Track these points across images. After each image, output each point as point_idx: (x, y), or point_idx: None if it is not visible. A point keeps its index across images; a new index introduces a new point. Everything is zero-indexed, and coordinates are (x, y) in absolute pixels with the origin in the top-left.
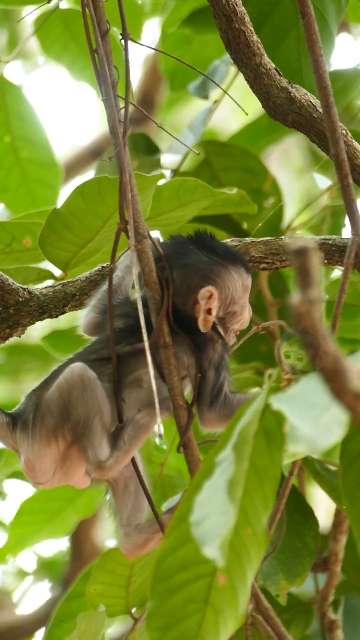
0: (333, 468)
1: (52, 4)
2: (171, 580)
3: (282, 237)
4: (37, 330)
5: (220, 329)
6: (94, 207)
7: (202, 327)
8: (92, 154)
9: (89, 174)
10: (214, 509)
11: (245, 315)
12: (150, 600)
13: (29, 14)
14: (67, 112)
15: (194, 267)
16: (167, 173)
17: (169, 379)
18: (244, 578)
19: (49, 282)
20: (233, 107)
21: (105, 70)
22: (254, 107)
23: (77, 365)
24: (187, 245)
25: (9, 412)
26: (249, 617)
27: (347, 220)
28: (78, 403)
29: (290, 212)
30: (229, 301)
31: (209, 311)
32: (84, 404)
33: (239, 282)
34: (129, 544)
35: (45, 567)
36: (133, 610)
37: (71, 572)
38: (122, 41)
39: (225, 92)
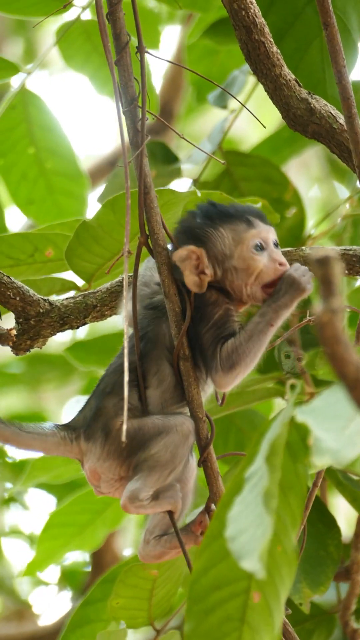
0: (356, 478)
1: (74, 14)
2: (206, 600)
3: (303, 247)
4: (56, 341)
5: (230, 289)
6: (124, 221)
7: (191, 287)
8: (110, 164)
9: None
10: (249, 522)
11: (256, 266)
12: (187, 622)
13: (48, 23)
14: (85, 120)
15: (180, 235)
16: (188, 182)
17: (188, 391)
18: (277, 597)
19: (72, 293)
20: (251, 118)
21: (124, 82)
22: (273, 117)
23: (190, 423)
24: (195, 217)
25: (65, 424)
26: (281, 633)
27: None
28: (169, 451)
29: (310, 222)
30: (220, 258)
31: (202, 272)
32: (173, 455)
33: (229, 237)
34: (145, 551)
35: (66, 577)
36: (155, 621)
37: (91, 581)
38: (138, 54)
39: (243, 105)
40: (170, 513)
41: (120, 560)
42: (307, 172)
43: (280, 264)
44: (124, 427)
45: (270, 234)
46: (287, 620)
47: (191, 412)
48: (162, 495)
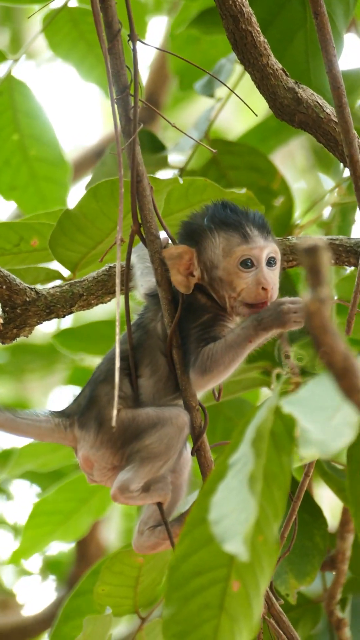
0: (341, 467)
1: (61, 2)
2: (186, 586)
3: (290, 237)
4: (41, 331)
5: (216, 297)
6: (107, 209)
7: (178, 287)
8: (97, 154)
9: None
10: (232, 507)
11: (239, 284)
12: (166, 608)
13: (36, 12)
14: (71, 111)
15: (180, 231)
16: (174, 172)
17: (182, 380)
18: (257, 586)
19: (57, 282)
20: (237, 108)
21: (116, 71)
22: (260, 108)
23: (186, 415)
24: (198, 217)
25: (59, 410)
26: (260, 620)
27: (359, 218)
28: (164, 443)
29: (297, 211)
30: (208, 265)
31: (190, 273)
32: (167, 448)
33: (220, 247)
34: (139, 542)
35: (50, 567)
36: (140, 610)
37: (76, 571)
38: (130, 42)
39: (232, 91)
40: (160, 504)
41: (105, 550)
42: (292, 163)
43: (264, 289)
44: (114, 412)
45: (264, 252)
46: (280, 609)
47: (184, 400)
48: (153, 487)
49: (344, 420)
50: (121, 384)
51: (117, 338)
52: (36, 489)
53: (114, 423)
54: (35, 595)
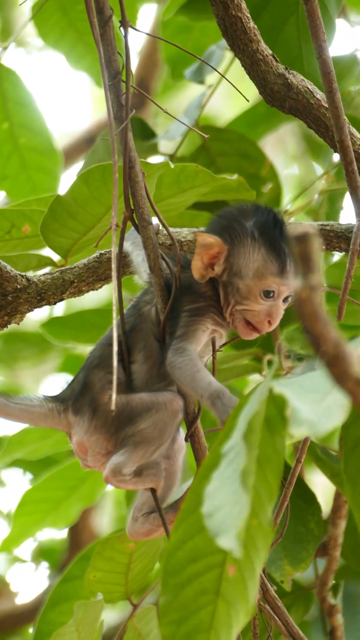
0: (334, 453)
1: None
2: (182, 573)
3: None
4: (32, 319)
5: (222, 297)
6: (98, 194)
7: (194, 272)
8: (87, 142)
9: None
10: (225, 499)
11: (253, 305)
12: (162, 595)
13: (26, 0)
14: (60, 99)
15: (222, 220)
16: (165, 158)
17: None
18: (252, 570)
19: (49, 269)
20: (227, 94)
21: (107, 57)
22: (249, 94)
23: (180, 400)
24: (243, 217)
25: (53, 395)
26: (256, 607)
27: (346, 205)
28: (157, 428)
29: (286, 198)
30: (234, 269)
31: (211, 265)
32: (161, 432)
33: (255, 263)
34: (133, 529)
35: (43, 555)
36: (132, 596)
37: (69, 559)
38: (122, 28)
39: (223, 76)
40: (153, 490)
41: (97, 537)
42: (283, 150)
43: (270, 322)
44: (113, 397)
45: (288, 291)
46: (275, 595)
47: (178, 387)
48: (146, 472)
49: (335, 402)
50: (120, 370)
51: (114, 322)
52: (29, 477)
53: (113, 407)
54: (28, 583)
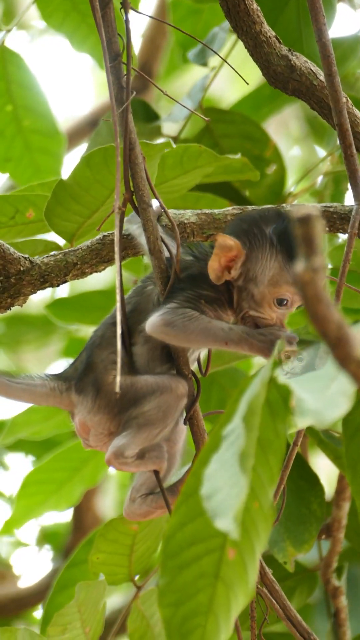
0: (337, 435)
1: None
2: (181, 555)
3: (284, 204)
4: (35, 302)
5: (235, 300)
6: (101, 177)
7: (210, 273)
8: (90, 125)
9: (85, 145)
10: (224, 481)
11: (266, 313)
12: (161, 577)
13: None
14: (63, 82)
15: (242, 223)
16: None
17: (174, 348)
18: (252, 552)
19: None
20: (230, 77)
21: (108, 39)
22: (252, 77)
23: (185, 384)
24: (265, 223)
25: (56, 374)
26: (254, 590)
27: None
28: (161, 411)
29: (290, 180)
30: (250, 275)
31: (229, 268)
32: (165, 415)
33: (272, 271)
34: (130, 509)
35: (47, 539)
36: (136, 578)
37: (73, 542)
38: (123, 10)
39: (224, 60)
40: (156, 472)
41: (101, 521)
42: (286, 132)
43: (279, 329)
44: (117, 378)
45: (301, 300)
46: (273, 578)
47: (177, 369)
48: (148, 455)
49: (339, 389)
50: (116, 350)
51: (118, 304)
52: (31, 460)
53: (117, 389)
54: (32, 566)
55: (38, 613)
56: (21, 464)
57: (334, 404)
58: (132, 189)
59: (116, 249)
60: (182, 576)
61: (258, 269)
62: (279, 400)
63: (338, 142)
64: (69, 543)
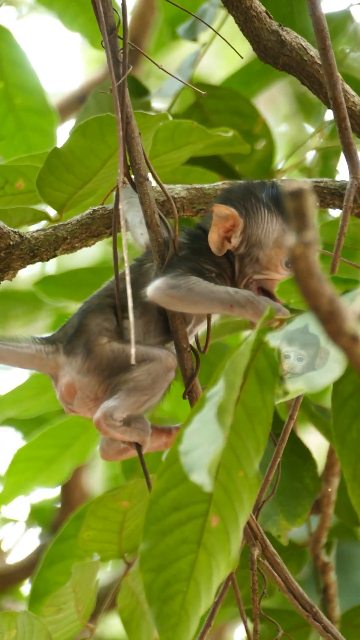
0: (328, 408)
1: None
2: (164, 521)
3: (274, 179)
4: (23, 278)
5: (236, 267)
6: (95, 147)
7: (211, 245)
8: (77, 101)
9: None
10: (203, 439)
11: (274, 274)
12: (143, 542)
13: None
14: (50, 59)
15: (234, 194)
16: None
17: (173, 322)
18: (235, 521)
19: (43, 223)
20: (217, 54)
21: (104, 12)
22: (242, 52)
23: (174, 359)
24: (257, 190)
25: (43, 337)
26: (255, 563)
27: (341, 163)
28: (151, 378)
29: (279, 156)
30: (253, 240)
31: (228, 238)
32: (154, 383)
33: (275, 233)
34: (108, 449)
35: (34, 515)
36: (126, 555)
37: (61, 519)
38: None
39: (217, 33)
40: (138, 446)
41: (89, 497)
42: (274, 109)
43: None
44: (133, 351)
45: None
46: (275, 551)
47: (176, 342)
48: (134, 424)
49: (331, 356)
50: (110, 319)
51: (127, 278)
52: (19, 436)
53: (133, 361)
54: (19, 542)
55: (25, 588)
56: (8, 439)
57: (326, 369)
58: (129, 163)
59: (122, 222)
60: (164, 542)
61: (261, 233)
62: (267, 368)
63: (327, 118)
64: (57, 519)
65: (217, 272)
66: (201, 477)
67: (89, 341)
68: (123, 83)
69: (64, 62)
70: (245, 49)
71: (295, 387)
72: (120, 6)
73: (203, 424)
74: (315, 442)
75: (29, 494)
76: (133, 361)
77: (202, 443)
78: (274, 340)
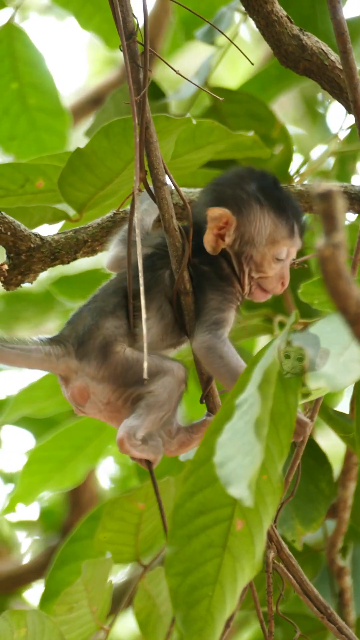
0: (346, 412)
1: None
2: (190, 525)
3: (294, 184)
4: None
5: (236, 267)
6: (118, 148)
7: (206, 246)
8: (93, 102)
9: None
10: (237, 449)
11: (267, 271)
12: (169, 546)
13: None
14: (56, 59)
15: (224, 189)
16: None
17: (189, 325)
18: (260, 525)
19: (62, 224)
20: (229, 58)
21: (123, 17)
22: (257, 57)
23: (184, 370)
24: (244, 182)
25: (51, 338)
26: (270, 565)
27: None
28: (167, 392)
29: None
30: (246, 238)
31: (222, 236)
32: (170, 397)
33: (267, 229)
34: (170, 445)
35: (43, 516)
36: (141, 557)
37: (69, 519)
38: None
39: (231, 41)
40: (149, 463)
41: (98, 497)
42: (283, 113)
43: (283, 284)
44: (145, 365)
45: (295, 250)
46: (290, 553)
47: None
48: (150, 442)
49: (353, 356)
50: (124, 323)
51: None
52: (28, 434)
53: (145, 376)
54: (28, 543)
55: (30, 592)
56: (19, 440)
57: (347, 370)
58: (147, 168)
59: (137, 231)
60: (190, 546)
61: (254, 231)
62: None
63: (339, 125)
64: (67, 520)
65: (231, 290)
66: (241, 492)
67: (105, 347)
68: (144, 90)
69: (67, 62)
70: (259, 56)
71: (317, 385)
72: (136, 10)
73: (235, 432)
74: (331, 447)
75: (43, 496)
76: (145, 375)
77: (236, 454)
78: (297, 341)
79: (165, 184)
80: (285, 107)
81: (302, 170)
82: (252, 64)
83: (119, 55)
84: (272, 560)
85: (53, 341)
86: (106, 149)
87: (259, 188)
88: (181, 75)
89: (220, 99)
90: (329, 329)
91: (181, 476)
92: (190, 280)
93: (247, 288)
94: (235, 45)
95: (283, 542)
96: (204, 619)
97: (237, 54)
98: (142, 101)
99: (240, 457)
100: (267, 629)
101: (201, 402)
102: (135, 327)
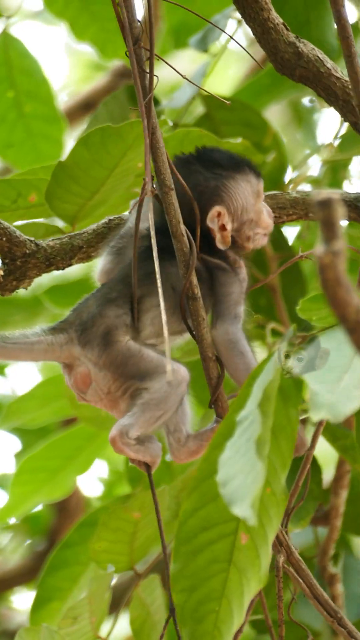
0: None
1: None
2: (194, 541)
3: (289, 191)
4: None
5: (238, 239)
6: (98, 157)
7: (220, 246)
8: (85, 107)
9: (81, 127)
10: (239, 468)
11: (264, 218)
12: (174, 563)
13: None
14: (59, 64)
15: (201, 189)
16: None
17: (198, 331)
18: (264, 537)
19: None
20: (222, 69)
21: (129, 22)
22: (249, 66)
23: (187, 372)
24: (191, 165)
25: (53, 327)
26: (280, 569)
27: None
28: (163, 390)
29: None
30: (240, 212)
31: (222, 227)
32: (167, 396)
33: (248, 190)
34: (180, 451)
35: (29, 521)
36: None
37: (56, 525)
38: None
39: (236, 42)
40: (148, 467)
41: (85, 503)
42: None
43: (269, 215)
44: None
45: (262, 182)
46: (299, 557)
47: (200, 351)
48: (147, 445)
49: (353, 382)
50: (128, 313)
51: (157, 272)
52: (19, 442)
53: (169, 375)
54: (14, 548)
55: (17, 597)
56: (8, 442)
57: (348, 397)
58: (153, 174)
59: (154, 240)
60: (195, 562)
61: (242, 202)
62: (291, 386)
63: (334, 132)
64: (54, 526)
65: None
66: (244, 511)
67: (108, 335)
68: (150, 95)
69: (49, 67)
70: (252, 63)
71: (319, 416)
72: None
73: (237, 450)
74: (322, 456)
75: (34, 507)
76: (169, 377)
77: (238, 472)
78: (296, 369)
79: (172, 189)
80: (272, 114)
81: (293, 177)
82: (262, 67)
83: (109, 62)
84: (282, 564)
85: (56, 329)
86: (87, 159)
87: (203, 167)
88: (185, 78)
89: (227, 102)
90: (327, 350)
91: (184, 491)
92: (206, 271)
93: (251, 246)
94: (238, 43)
95: (293, 547)
96: (211, 634)
97: (226, 63)
98: (148, 106)
99: (243, 476)
100: (277, 635)
101: (210, 407)
102: (138, 314)
